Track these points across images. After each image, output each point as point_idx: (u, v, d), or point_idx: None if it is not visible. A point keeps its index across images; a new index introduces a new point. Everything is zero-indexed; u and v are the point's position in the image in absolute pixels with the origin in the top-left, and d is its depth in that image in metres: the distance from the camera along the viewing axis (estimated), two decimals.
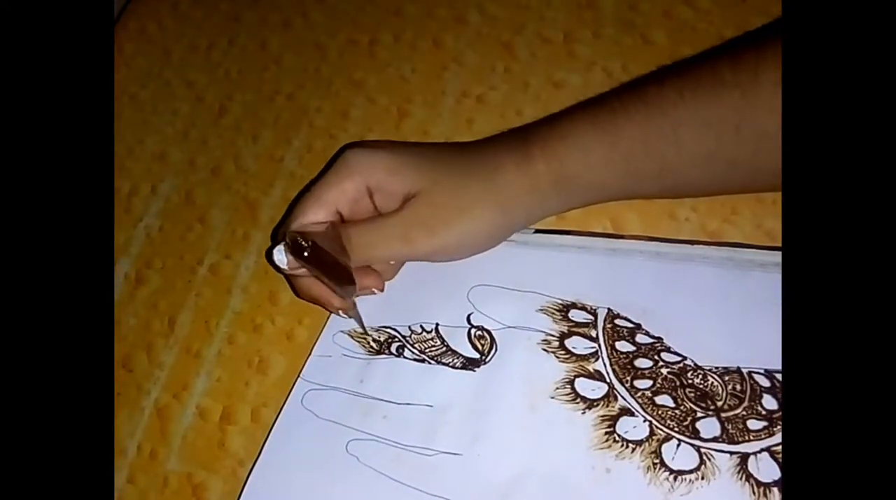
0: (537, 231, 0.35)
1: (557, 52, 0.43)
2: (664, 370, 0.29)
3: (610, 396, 0.29)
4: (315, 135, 0.45)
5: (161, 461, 0.35)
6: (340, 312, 0.34)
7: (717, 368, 0.29)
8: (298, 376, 0.35)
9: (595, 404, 0.29)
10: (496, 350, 0.32)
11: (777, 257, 0.31)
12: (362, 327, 0.35)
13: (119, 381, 0.39)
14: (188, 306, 0.40)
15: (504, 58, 0.44)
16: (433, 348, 0.33)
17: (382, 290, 0.35)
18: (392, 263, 0.35)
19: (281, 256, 0.32)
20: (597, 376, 0.30)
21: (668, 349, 0.30)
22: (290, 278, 0.35)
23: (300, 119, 0.46)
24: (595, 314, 0.32)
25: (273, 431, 0.33)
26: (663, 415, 0.28)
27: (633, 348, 0.30)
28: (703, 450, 0.27)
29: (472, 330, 0.33)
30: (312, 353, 0.35)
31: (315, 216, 0.32)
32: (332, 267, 0.31)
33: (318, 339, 0.36)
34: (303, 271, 0.32)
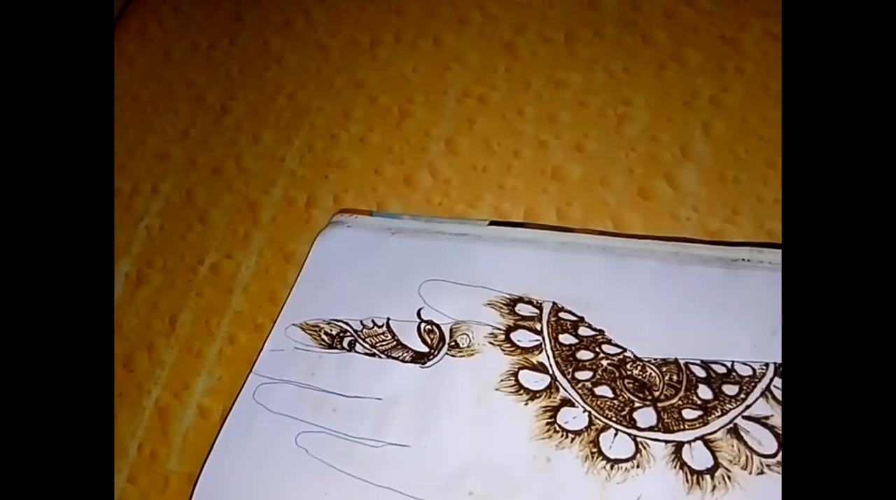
0: (491, 223, 0.36)
1: (559, 52, 0.43)
2: (604, 362, 0.30)
3: (552, 387, 0.30)
4: (316, 134, 0.45)
5: (162, 460, 0.35)
6: None
7: (655, 359, 0.29)
8: (251, 370, 0.35)
9: (537, 395, 0.30)
10: (444, 344, 0.33)
11: (718, 251, 0.31)
12: None
13: (120, 381, 0.39)
14: (189, 305, 0.40)
15: (505, 57, 0.44)
16: (384, 343, 0.34)
17: None
18: None
19: None
20: (540, 368, 0.31)
21: (609, 342, 0.31)
22: None
23: (301, 119, 0.46)
24: (541, 308, 0.32)
25: (224, 426, 0.33)
26: (602, 405, 0.29)
27: (575, 341, 0.31)
28: (639, 439, 0.28)
29: (422, 325, 0.34)
30: (265, 347, 0.35)
31: None
32: None
33: (269, 333, 0.36)
34: None
